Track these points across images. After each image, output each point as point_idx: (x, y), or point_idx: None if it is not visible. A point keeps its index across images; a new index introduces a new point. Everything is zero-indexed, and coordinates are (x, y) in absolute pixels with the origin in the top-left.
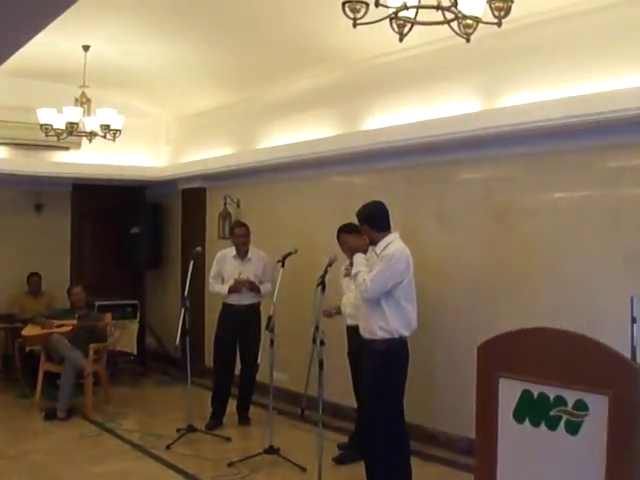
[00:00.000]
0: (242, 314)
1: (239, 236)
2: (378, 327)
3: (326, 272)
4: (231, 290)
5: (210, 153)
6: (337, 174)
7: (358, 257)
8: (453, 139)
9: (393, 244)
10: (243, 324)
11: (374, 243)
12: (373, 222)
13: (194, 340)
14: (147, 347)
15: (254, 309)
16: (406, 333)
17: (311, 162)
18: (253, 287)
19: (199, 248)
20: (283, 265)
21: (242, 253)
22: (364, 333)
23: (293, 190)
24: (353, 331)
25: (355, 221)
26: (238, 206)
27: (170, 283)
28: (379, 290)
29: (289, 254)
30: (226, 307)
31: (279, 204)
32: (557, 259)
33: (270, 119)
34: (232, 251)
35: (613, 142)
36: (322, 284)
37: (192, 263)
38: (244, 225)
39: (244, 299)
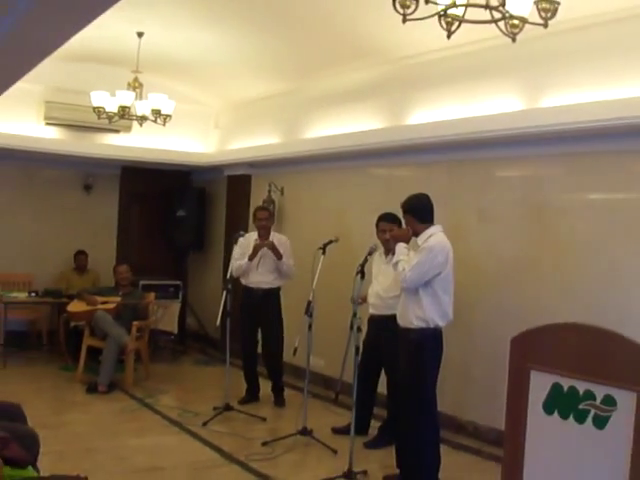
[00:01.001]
0: (261, 298)
1: (261, 219)
2: (415, 316)
3: (366, 260)
4: (252, 254)
5: (257, 141)
6: (379, 166)
7: (400, 246)
8: (495, 137)
9: (435, 237)
10: (262, 309)
11: (416, 234)
12: (417, 213)
13: (234, 322)
14: (188, 327)
15: (273, 294)
16: (442, 324)
17: (355, 153)
18: (274, 247)
19: (242, 232)
20: (324, 252)
21: (264, 237)
22: (400, 321)
23: (336, 180)
24: (373, 321)
25: (397, 212)
26: (282, 194)
27: (212, 266)
28: (417, 280)
29: (330, 242)
30: (246, 291)
31: (322, 193)
32: (590, 258)
33: (317, 110)
34: (254, 235)
35: None
36: (362, 272)
37: (235, 246)
38: (266, 209)
39: (264, 282)
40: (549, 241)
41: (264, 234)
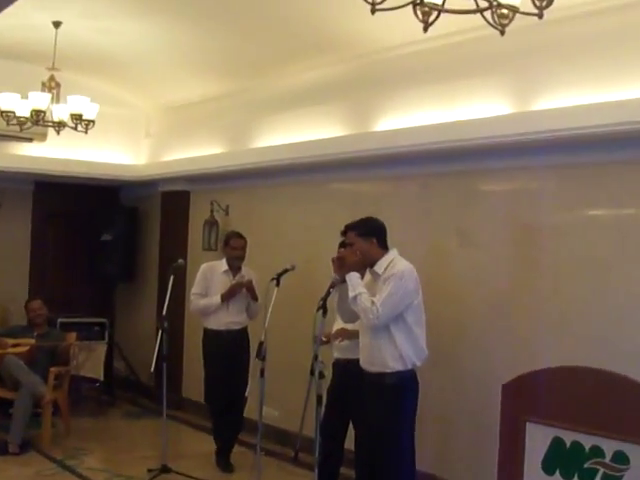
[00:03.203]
0: (234, 341)
1: (235, 248)
2: (391, 357)
3: (328, 294)
4: (227, 295)
5: (197, 151)
6: (343, 180)
7: (354, 277)
8: (479, 145)
9: (397, 262)
10: (235, 353)
11: (372, 262)
12: (380, 236)
13: (171, 367)
14: (116, 373)
15: (245, 334)
16: (419, 362)
17: (314, 166)
18: (251, 289)
19: (181, 261)
20: (278, 284)
21: (235, 269)
22: (368, 366)
23: (292, 197)
24: (339, 365)
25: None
26: (227, 214)
27: (145, 300)
28: (391, 314)
29: (285, 271)
30: (212, 335)
31: (275, 213)
32: (594, 286)
33: (269, 115)
34: (222, 265)
35: None
36: (323, 307)
37: (172, 278)
38: (242, 237)
39: (235, 322)
40: (544, 266)
41: (237, 266)
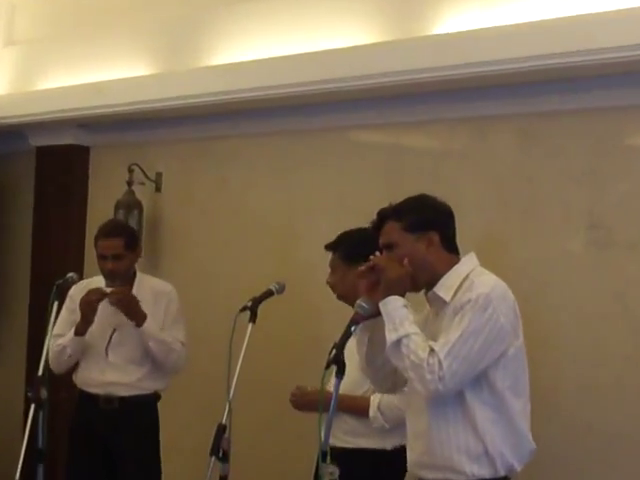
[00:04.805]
0: (114, 420)
1: (104, 257)
2: (464, 454)
3: (348, 336)
4: (82, 320)
5: (102, 73)
6: (374, 128)
7: (396, 305)
8: None
9: (478, 277)
10: (115, 444)
11: (431, 279)
12: (446, 232)
13: (53, 471)
14: None
15: (142, 411)
16: (519, 465)
17: (320, 99)
18: (130, 304)
19: (71, 275)
20: (254, 318)
21: (116, 285)
22: (425, 471)
23: (277, 158)
24: (340, 458)
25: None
26: (157, 187)
27: (5, 347)
28: (466, 373)
29: (268, 295)
30: (84, 402)
31: (245, 187)
32: None
33: (234, 3)
34: (99, 282)
35: None
36: (339, 362)
37: (55, 305)
38: (119, 231)
39: (121, 383)
40: None
41: (116, 280)
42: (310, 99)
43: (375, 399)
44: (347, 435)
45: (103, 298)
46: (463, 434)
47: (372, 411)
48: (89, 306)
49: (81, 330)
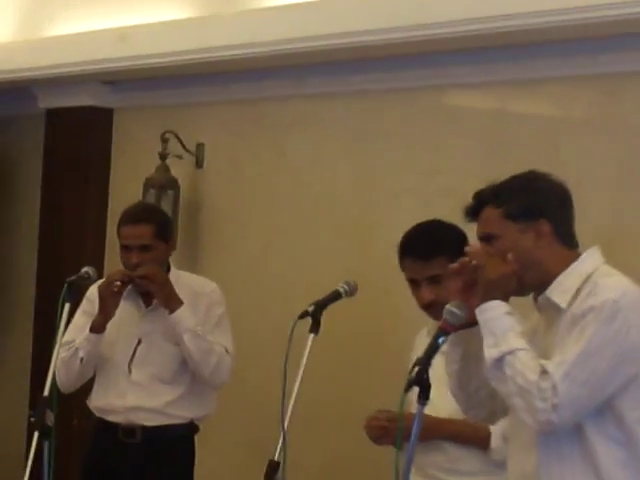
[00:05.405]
0: (137, 455)
1: (130, 238)
2: None
3: (434, 350)
4: (103, 307)
5: (128, 16)
6: (465, 86)
7: (498, 311)
8: None
9: (603, 278)
10: None
11: (542, 279)
12: (561, 221)
13: None
14: None
15: (174, 442)
16: None
17: (399, 50)
18: (164, 285)
19: (88, 270)
20: (316, 328)
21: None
22: None
23: (344, 125)
24: None
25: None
26: (198, 162)
27: (9, 359)
28: (587, 401)
29: (333, 298)
30: (100, 433)
31: (307, 161)
32: None
33: None
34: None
35: None
36: (422, 382)
37: (67, 308)
38: (145, 214)
39: (145, 407)
40: None
41: (145, 278)
42: (394, 49)
43: (497, 426)
44: (451, 475)
45: (130, 281)
46: (580, 473)
47: (494, 441)
48: (110, 291)
49: (99, 325)
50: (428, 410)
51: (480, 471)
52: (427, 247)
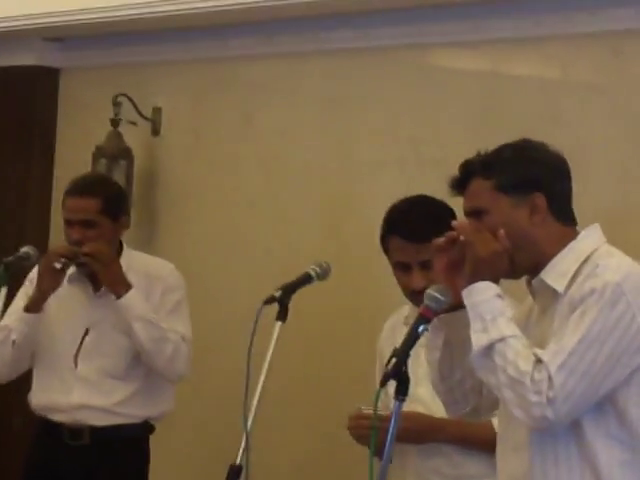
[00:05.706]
0: (85, 459)
1: (72, 211)
2: None
3: (414, 340)
4: (40, 284)
5: None
6: (454, 44)
7: (486, 293)
8: None
9: (603, 259)
10: None
11: (537, 260)
12: (555, 193)
13: None
14: None
15: (126, 444)
16: None
17: (378, 4)
18: (102, 265)
19: (28, 249)
20: (284, 315)
21: (89, 269)
22: None
23: (318, 87)
24: None
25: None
26: (155, 129)
27: None
28: (584, 396)
29: (303, 282)
30: (43, 434)
31: (277, 126)
32: None
33: None
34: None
35: None
36: (399, 374)
37: (4, 291)
38: (92, 186)
39: (93, 405)
40: None
41: (88, 255)
42: (373, 4)
43: None
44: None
45: (74, 257)
46: (579, 474)
47: None
48: (50, 267)
49: (34, 303)
50: (420, 410)
51: (485, 475)
52: (424, 228)
